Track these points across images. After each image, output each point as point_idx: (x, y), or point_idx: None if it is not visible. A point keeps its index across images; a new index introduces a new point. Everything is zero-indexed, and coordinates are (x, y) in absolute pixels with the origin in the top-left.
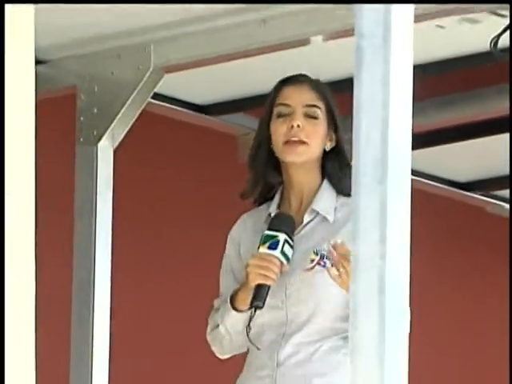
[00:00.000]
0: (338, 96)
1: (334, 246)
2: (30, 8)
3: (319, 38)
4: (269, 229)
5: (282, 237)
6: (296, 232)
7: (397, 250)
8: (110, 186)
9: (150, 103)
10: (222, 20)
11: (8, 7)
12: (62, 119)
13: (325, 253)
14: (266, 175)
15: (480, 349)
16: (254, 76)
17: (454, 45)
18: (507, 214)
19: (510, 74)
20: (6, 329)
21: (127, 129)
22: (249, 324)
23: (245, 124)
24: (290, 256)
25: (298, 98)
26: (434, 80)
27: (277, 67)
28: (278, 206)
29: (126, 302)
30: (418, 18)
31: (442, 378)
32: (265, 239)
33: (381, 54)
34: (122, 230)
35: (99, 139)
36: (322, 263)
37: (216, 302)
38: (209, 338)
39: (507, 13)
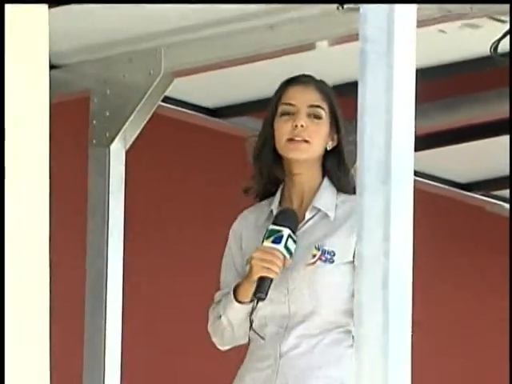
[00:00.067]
0: (342, 99)
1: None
2: (44, 14)
3: (325, 43)
4: (273, 223)
5: (285, 232)
6: (297, 228)
7: (400, 247)
8: (121, 187)
9: (161, 106)
10: (230, 26)
11: (23, 12)
12: (76, 122)
13: (326, 248)
14: (271, 171)
15: (480, 348)
16: (262, 80)
17: (455, 49)
18: (507, 214)
19: (510, 78)
20: (21, 327)
21: (139, 131)
22: (251, 314)
23: (254, 126)
24: (292, 251)
25: (303, 98)
26: (436, 83)
27: (284, 71)
28: (280, 203)
29: (137, 299)
30: (421, 24)
31: (443, 378)
32: (269, 233)
33: (384, 58)
34: (133, 228)
35: (111, 141)
36: (324, 258)
37: (217, 295)
38: (210, 329)
39: (507, 18)
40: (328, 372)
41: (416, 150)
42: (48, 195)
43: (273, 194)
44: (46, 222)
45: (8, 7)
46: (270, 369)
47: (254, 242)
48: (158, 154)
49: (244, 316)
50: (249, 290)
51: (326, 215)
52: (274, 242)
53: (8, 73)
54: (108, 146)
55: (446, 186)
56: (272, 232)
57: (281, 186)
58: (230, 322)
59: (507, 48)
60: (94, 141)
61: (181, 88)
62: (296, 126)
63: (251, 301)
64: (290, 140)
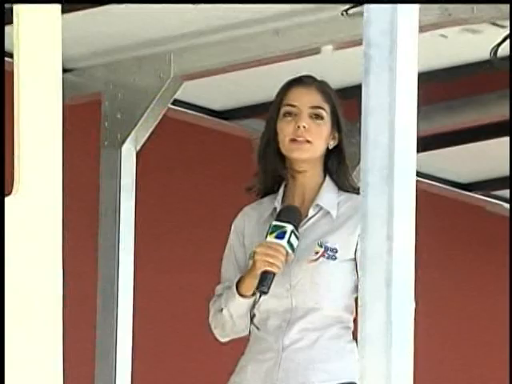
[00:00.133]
0: (346, 102)
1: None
2: (58, 21)
3: (329, 47)
4: (277, 219)
5: (289, 228)
6: (300, 225)
7: (402, 246)
8: (132, 187)
9: (170, 109)
10: (238, 31)
11: (38, 20)
12: (88, 124)
13: (329, 245)
14: (275, 170)
15: (480, 347)
16: (268, 83)
17: (456, 53)
18: (507, 214)
19: (510, 81)
20: (35, 325)
21: (149, 133)
22: (253, 307)
23: (260, 128)
24: (295, 246)
25: (304, 100)
26: (438, 86)
27: (290, 75)
28: (282, 201)
29: (148, 296)
30: (422, 29)
31: (443, 377)
32: (273, 229)
33: (387, 62)
34: (144, 227)
35: (123, 143)
36: (327, 255)
37: (218, 288)
38: (211, 321)
39: (506, 23)
40: (329, 366)
41: (418, 151)
42: (61, 194)
43: (274, 191)
44: (59, 220)
45: (24, 15)
46: (272, 360)
47: (257, 237)
48: (168, 155)
49: (246, 309)
50: (251, 284)
51: (329, 213)
52: (277, 237)
53: (23, 77)
54: (119, 148)
55: (447, 186)
56: (275, 228)
57: (283, 184)
58: (231, 315)
59: (507, 52)
60: (106, 142)
61: (190, 91)
62: (298, 127)
63: (253, 294)
64: (293, 140)
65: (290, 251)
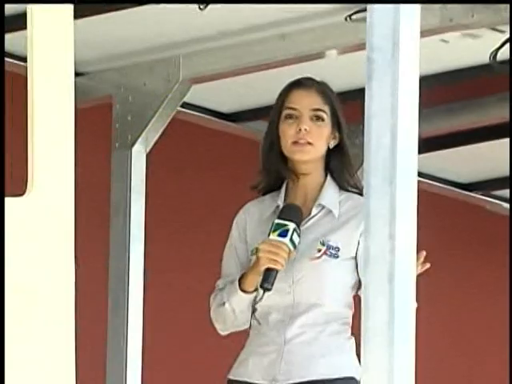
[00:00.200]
0: (350, 104)
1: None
2: (70, 24)
3: (334, 51)
4: (279, 217)
5: (291, 226)
6: (302, 223)
7: (404, 245)
8: (143, 187)
9: (180, 111)
10: (244, 36)
11: (51, 25)
12: (99, 126)
13: (331, 244)
14: (278, 171)
15: (480, 346)
16: (274, 86)
17: (456, 58)
18: (507, 213)
19: (510, 84)
20: (48, 325)
21: (159, 135)
22: (255, 303)
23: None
24: (297, 244)
25: (305, 102)
26: (439, 90)
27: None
28: (284, 199)
29: (157, 295)
30: (424, 33)
31: (443, 376)
32: (275, 227)
33: (390, 66)
34: (154, 227)
35: (133, 144)
36: (329, 253)
37: (219, 282)
38: (213, 314)
39: (506, 28)
40: (329, 360)
41: (420, 152)
42: (73, 195)
43: (275, 189)
44: (71, 219)
45: (37, 19)
46: (274, 354)
47: (260, 234)
48: (177, 156)
49: (247, 304)
50: (254, 280)
51: (330, 212)
52: (280, 235)
53: (37, 80)
54: (130, 149)
55: (448, 187)
56: (278, 226)
57: (285, 183)
58: (233, 310)
59: (506, 56)
60: (117, 144)
61: (198, 94)
62: (300, 129)
63: (255, 290)
64: (295, 143)
65: (292, 249)
